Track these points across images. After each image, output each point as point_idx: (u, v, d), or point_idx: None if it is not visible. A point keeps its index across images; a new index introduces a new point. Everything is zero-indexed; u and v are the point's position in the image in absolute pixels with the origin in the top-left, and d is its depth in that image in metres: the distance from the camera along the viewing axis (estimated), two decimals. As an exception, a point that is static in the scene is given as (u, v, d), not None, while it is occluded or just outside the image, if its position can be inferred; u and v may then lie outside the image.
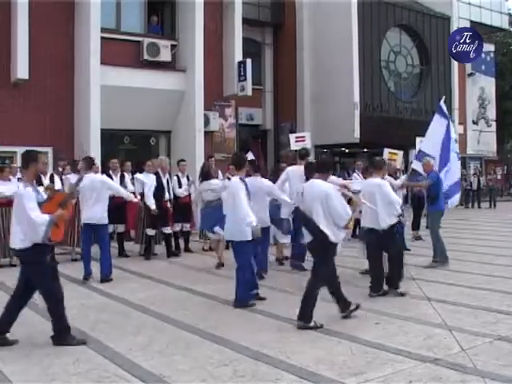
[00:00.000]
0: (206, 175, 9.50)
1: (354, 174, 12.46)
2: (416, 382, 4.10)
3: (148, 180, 10.40)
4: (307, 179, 6.39)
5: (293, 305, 6.45)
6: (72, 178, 9.41)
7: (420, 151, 9.48)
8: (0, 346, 5.00)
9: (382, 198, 6.97)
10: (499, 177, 29.23)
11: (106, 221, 8.15)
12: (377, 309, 6.26)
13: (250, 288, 6.49)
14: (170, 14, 16.32)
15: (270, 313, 6.12)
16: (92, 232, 8.20)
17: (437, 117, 9.50)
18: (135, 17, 15.69)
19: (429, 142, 9.48)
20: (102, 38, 14.02)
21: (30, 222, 4.89)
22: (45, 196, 5.20)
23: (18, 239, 5.03)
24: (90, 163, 8.22)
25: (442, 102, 9.69)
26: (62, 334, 5.08)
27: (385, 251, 7.13)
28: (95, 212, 8.06)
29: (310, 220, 5.67)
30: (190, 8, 15.52)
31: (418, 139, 11.35)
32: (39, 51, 13.46)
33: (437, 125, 9.43)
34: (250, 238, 6.41)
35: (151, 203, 9.88)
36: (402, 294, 6.88)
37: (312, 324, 5.50)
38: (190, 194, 10.92)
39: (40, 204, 5.02)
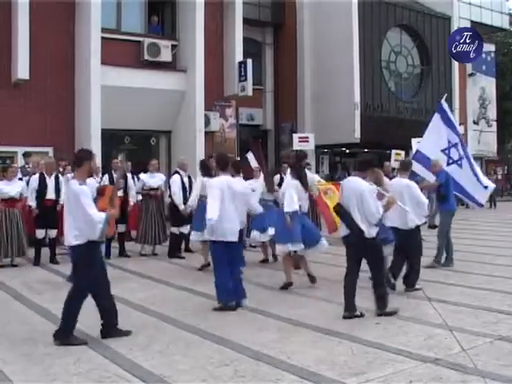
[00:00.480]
0: (207, 170, 9.34)
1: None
2: (416, 382, 4.10)
3: (153, 180, 10.43)
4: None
5: (293, 305, 6.47)
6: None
7: (418, 151, 9.33)
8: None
9: (410, 198, 7.09)
10: (500, 177, 29.22)
11: None
12: (377, 309, 6.25)
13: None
14: (171, 14, 16.34)
15: (270, 313, 6.12)
16: None
17: (437, 116, 9.30)
18: (136, 17, 15.71)
19: (426, 142, 9.25)
20: (103, 38, 14.04)
21: (88, 219, 4.94)
22: (95, 193, 5.29)
23: (72, 236, 5.06)
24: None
25: (443, 101, 9.51)
26: (110, 329, 5.18)
27: (407, 250, 7.22)
28: None
29: (348, 214, 5.91)
30: (190, 8, 15.54)
31: (413, 140, 11.31)
32: (40, 51, 13.48)
33: (436, 124, 9.23)
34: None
35: (179, 203, 9.89)
36: (418, 289, 7.03)
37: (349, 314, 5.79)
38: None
39: (94, 201, 5.10)
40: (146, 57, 15.07)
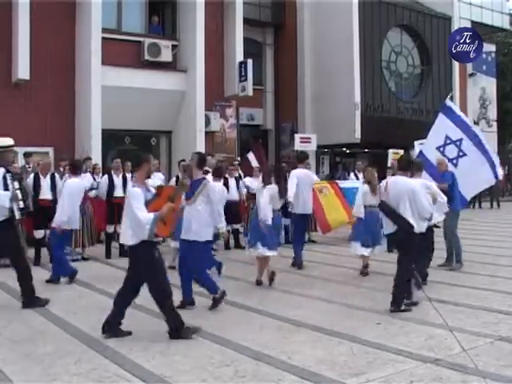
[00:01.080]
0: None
1: (352, 175, 12.53)
2: (417, 382, 4.10)
3: (151, 180, 10.44)
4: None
5: (293, 305, 6.47)
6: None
7: (421, 153, 9.24)
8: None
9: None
10: (500, 177, 29.17)
11: None
12: (378, 309, 6.26)
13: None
14: (171, 14, 16.34)
15: (270, 313, 6.12)
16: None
17: (440, 115, 9.00)
18: (136, 17, 15.72)
19: (427, 143, 9.12)
20: (103, 38, 14.04)
21: (137, 220, 5.14)
22: (153, 192, 5.47)
23: (128, 235, 5.28)
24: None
25: (447, 100, 9.34)
26: (179, 330, 5.23)
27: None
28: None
29: (395, 212, 6.15)
30: (190, 8, 15.54)
31: (416, 143, 11.21)
32: (40, 52, 13.48)
33: (439, 123, 8.96)
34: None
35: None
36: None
37: (403, 307, 6.06)
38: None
39: (148, 202, 5.25)
40: (147, 57, 15.07)
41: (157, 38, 15.49)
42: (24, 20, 13.16)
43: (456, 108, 9.30)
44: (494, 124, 28.39)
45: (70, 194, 8.00)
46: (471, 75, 26.91)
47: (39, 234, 9.60)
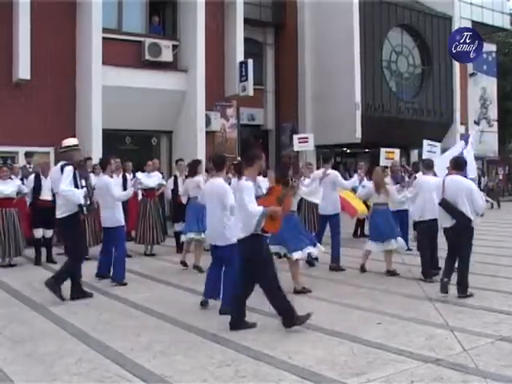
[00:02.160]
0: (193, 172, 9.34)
1: (355, 175, 12.42)
2: (418, 382, 4.10)
3: (150, 179, 10.48)
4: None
5: (293, 305, 6.45)
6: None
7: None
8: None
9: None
10: (500, 177, 29.19)
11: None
12: (378, 309, 6.26)
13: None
14: (172, 14, 16.33)
15: (270, 313, 6.11)
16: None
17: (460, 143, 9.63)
18: (137, 17, 15.71)
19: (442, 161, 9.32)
20: (104, 38, 14.04)
21: (248, 212, 5.39)
22: (264, 191, 5.89)
23: (239, 229, 5.55)
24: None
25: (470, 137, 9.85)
26: (292, 318, 5.45)
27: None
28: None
29: (454, 207, 6.78)
30: (191, 8, 15.54)
31: (425, 142, 11.14)
32: (41, 51, 13.48)
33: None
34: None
35: None
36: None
37: (469, 293, 6.71)
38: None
39: (259, 198, 5.59)
40: (147, 57, 15.06)
41: (157, 38, 15.49)
42: (24, 20, 13.16)
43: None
44: (495, 124, 28.41)
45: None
46: (472, 75, 26.93)
47: (39, 233, 9.61)
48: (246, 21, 17.35)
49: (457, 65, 22.85)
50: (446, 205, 6.86)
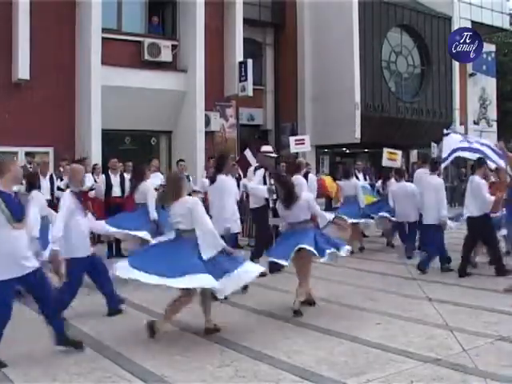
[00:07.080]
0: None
1: (360, 175, 12.39)
2: (417, 382, 4.10)
3: (156, 180, 10.48)
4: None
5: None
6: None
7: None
8: None
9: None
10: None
11: None
12: (378, 309, 6.26)
13: None
14: (171, 14, 16.34)
15: (270, 313, 6.12)
16: None
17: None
18: (136, 17, 15.72)
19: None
20: (103, 38, 14.05)
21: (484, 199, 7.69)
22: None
23: (476, 210, 7.84)
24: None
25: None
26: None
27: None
28: None
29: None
30: (190, 8, 15.54)
31: (433, 144, 11.15)
32: (40, 51, 13.47)
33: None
34: None
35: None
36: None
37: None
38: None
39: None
40: (147, 57, 15.07)
41: (157, 38, 15.49)
42: (24, 20, 13.16)
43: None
44: (494, 124, 28.40)
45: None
46: (471, 75, 26.90)
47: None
48: (246, 21, 17.35)
49: (456, 65, 22.86)
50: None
